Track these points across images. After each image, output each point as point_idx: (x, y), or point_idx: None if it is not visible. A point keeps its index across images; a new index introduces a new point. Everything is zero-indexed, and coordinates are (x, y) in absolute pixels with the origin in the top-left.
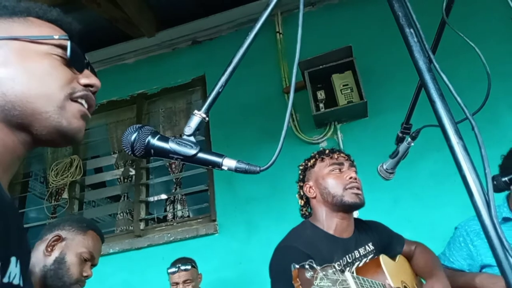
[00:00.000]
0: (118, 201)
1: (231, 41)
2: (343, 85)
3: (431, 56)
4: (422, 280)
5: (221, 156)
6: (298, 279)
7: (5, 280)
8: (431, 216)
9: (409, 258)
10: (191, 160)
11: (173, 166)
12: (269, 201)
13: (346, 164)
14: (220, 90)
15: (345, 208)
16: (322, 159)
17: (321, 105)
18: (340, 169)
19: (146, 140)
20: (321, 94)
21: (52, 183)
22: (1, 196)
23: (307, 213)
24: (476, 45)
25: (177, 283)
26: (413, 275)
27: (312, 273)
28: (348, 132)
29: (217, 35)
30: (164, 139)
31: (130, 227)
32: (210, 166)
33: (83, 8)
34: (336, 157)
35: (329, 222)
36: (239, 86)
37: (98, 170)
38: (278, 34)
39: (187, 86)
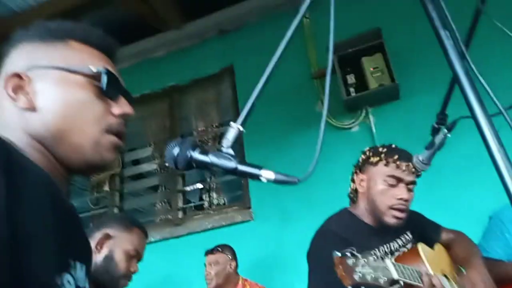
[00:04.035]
0: (157, 191)
1: (257, 29)
2: (374, 68)
3: (469, 60)
4: (462, 269)
5: (259, 168)
6: (340, 266)
7: (73, 285)
8: (467, 199)
9: (447, 246)
10: (231, 172)
11: None
12: (302, 188)
13: (406, 181)
14: (255, 101)
15: (381, 223)
16: (387, 163)
17: (352, 89)
18: (397, 183)
19: (188, 154)
20: (351, 78)
21: (93, 176)
22: (64, 203)
23: (354, 197)
24: None
25: (205, 265)
26: (452, 264)
27: (353, 260)
28: (380, 116)
29: (243, 23)
30: (205, 152)
31: (169, 216)
32: (249, 178)
33: (109, 5)
34: (402, 168)
35: (368, 214)
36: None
37: (136, 162)
38: (304, 18)
39: (216, 77)
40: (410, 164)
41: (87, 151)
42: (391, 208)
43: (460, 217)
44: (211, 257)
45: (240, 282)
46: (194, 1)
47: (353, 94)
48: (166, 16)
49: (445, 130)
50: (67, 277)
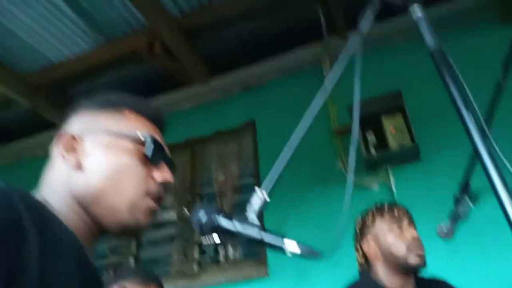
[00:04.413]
0: (174, 241)
1: (280, 86)
2: (394, 128)
3: (490, 138)
4: None
5: (283, 239)
6: None
7: None
8: (493, 269)
9: None
10: (256, 242)
11: (225, 207)
12: (321, 246)
13: (406, 221)
14: (281, 173)
15: (407, 270)
16: (382, 216)
17: (372, 148)
18: (400, 226)
19: (214, 220)
20: (371, 137)
21: None
22: (91, 270)
23: (365, 268)
24: None
25: None
26: None
27: None
28: (401, 176)
29: (267, 80)
30: (230, 220)
31: (184, 268)
32: (273, 249)
33: (142, 60)
34: (396, 213)
35: (390, 280)
36: (288, 129)
37: None
38: (326, 78)
39: (238, 130)
40: (400, 208)
41: (123, 213)
42: (410, 249)
43: (484, 285)
44: None
45: None
46: (220, 59)
47: (373, 153)
48: (193, 72)
49: (468, 201)
50: None
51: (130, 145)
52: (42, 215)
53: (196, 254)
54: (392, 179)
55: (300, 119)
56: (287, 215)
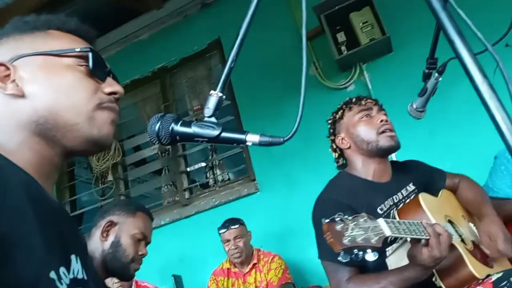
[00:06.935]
0: (161, 175)
1: None
2: (363, 23)
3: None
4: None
5: (244, 132)
6: (328, 233)
7: (71, 276)
8: (470, 143)
9: (453, 191)
10: (216, 140)
11: None
12: (304, 153)
13: (375, 108)
14: (232, 66)
15: (381, 153)
16: (350, 108)
17: (343, 47)
18: (369, 115)
19: (170, 128)
20: (341, 36)
21: (96, 168)
22: (48, 203)
23: (343, 161)
24: None
25: (228, 240)
26: (459, 207)
27: (342, 225)
28: (375, 71)
29: None
30: (187, 124)
31: (176, 198)
32: (235, 144)
33: None
34: (363, 103)
35: (366, 168)
36: (256, 43)
37: (137, 148)
38: None
39: (205, 52)
40: (368, 98)
41: (83, 127)
42: (380, 132)
43: (465, 161)
44: (235, 231)
45: (255, 253)
46: None
47: (345, 53)
48: None
49: (436, 74)
50: (62, 269)
51: (69, 61)
52: None
53: (185, 183)
54: (366, 75)
55: (265, 29)
56: (265, 125)
